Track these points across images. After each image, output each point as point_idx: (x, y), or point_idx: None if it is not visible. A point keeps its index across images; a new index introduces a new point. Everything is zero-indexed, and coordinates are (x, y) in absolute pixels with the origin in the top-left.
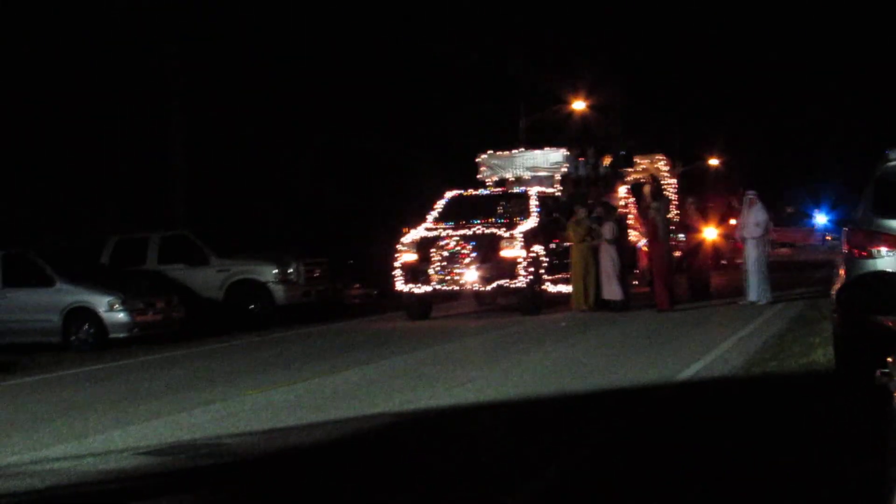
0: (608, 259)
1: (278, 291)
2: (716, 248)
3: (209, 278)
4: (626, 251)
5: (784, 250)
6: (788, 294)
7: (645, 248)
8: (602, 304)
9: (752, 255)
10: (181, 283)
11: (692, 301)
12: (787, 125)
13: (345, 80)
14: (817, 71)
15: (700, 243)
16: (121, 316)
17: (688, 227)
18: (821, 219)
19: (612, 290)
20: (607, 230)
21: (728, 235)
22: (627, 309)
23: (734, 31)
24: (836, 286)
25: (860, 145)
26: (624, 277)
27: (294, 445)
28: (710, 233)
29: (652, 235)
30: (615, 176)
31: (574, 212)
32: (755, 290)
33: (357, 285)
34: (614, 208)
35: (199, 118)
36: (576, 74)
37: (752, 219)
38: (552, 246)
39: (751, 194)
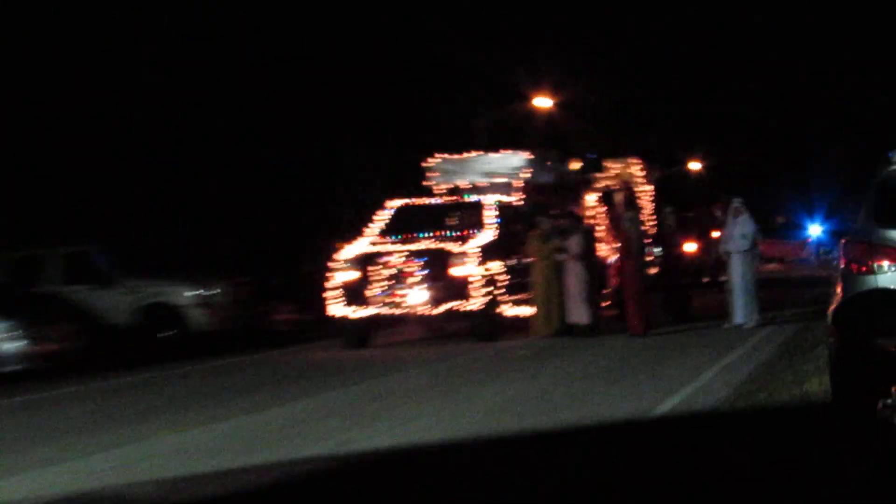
0: (574, 277)
1: (197, 316)
2: (697, 264)
3: (116, 301)
4: (595, 268)
5: (774, 266)
6: (779, 315)
7: (616, 265)
8: (567, 329)
9: (737, 272)
10: (84, 307)
11: (670, 324)
12: (777, 125)
13: (272, 68)
14: (810, 64)
15: (679, 258)
16: (12, 346)
17: (665, 241)
18: (815, 230)
19: (578, 313)
20: (574, 244)
21: (711, 249)
22: (596, 334)
23: (714, 24)
24: (833, 306)
25: (859, 147)
26: (592, 298)
27: (212, 496)
28: (690, 246)
29: (624, 250)
30: (583, 182)
31: (536, 223)
32: (741, 311)
33: (286, 309)
34: (581, 219)
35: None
36: (540, 68)
37: (738, 230)
38: (512, 262)
39: (736, 203)
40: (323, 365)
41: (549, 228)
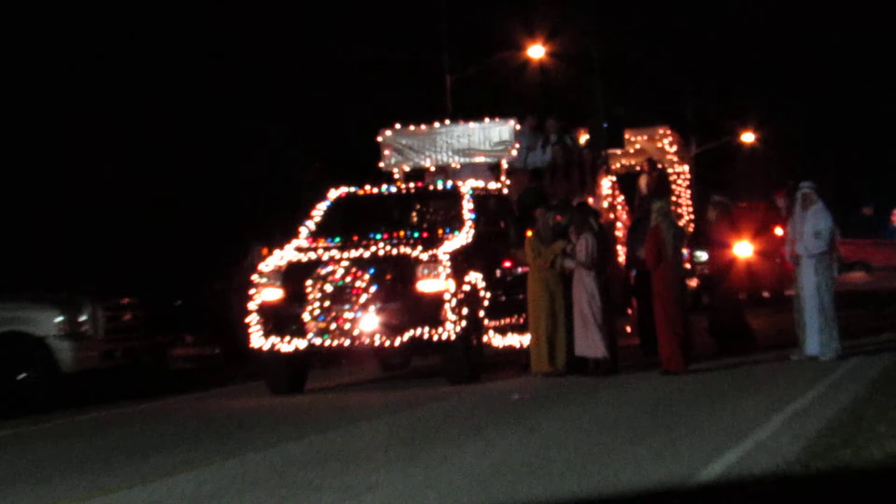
0: (585, 294)
1: (64, 351)
2: (752, 273)
3: None
4: (614, 281)
5: (859, 274)
6: (867, 344)
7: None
8: (576, 365)
9: (809, 284)
10: None
11: (717, 356)
12: (860, 82)
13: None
14: None
15: (729, 266)
16: None
17: (710, 241)
18: None
19: (591, 343)
20: (584, 248)
21: (771, 253)
22: (616, 371)
23: None
24: None
25: None
26: (610, 322)
27: None
28: (743, 249)
29: (653, 255)
30: (594, 162)
31: (533, 219)
32: (816, 338)
33: (189, 339)
34: (595, 213)
35: None
36: (533, 6)
37: (810, 227)
38: (498, 273)
39: (806, 188)
40: (241, 416)
41: (550, 226)
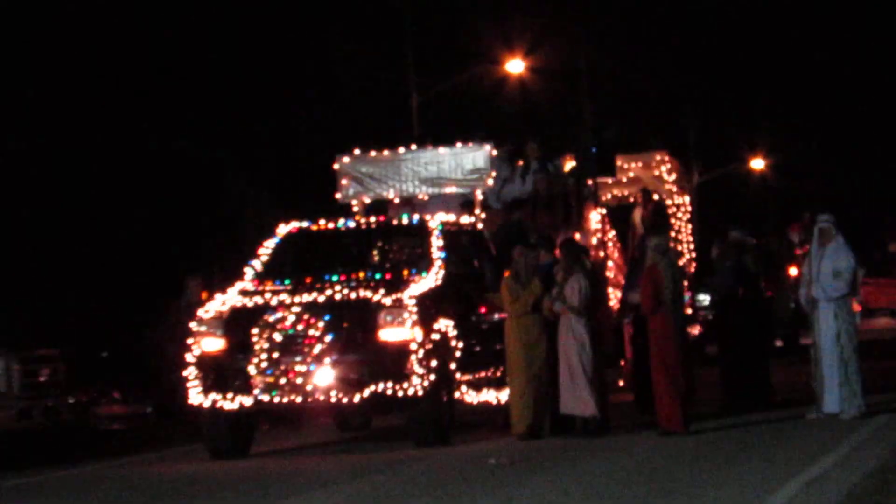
0: (575, 343)
1: None
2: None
3: None
4: (604, 328)
5: (883, 321)
6: (894, 400)
7: (629, 329)
8: (562, 425)
9: (828, 331)
10: None
11: (722, 414)
12: (888, 102)
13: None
14: None
15: (740, 310)
16: None
17: (719, 282)
18: None
19: (579, 400)
20: (574, 291)
21: (782, 294)
22: (607, 431)
23: None
24: None
25: None
26: (601, 375)
27: None
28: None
29: (650, 298)
30: (581, 192)
31: (511, 258)
32: (835, 393)
33: (116, 397)
34: (584, 251)
35: None
36: (512, 15)
37: (828, 265)
38: (472, 320)
39: (824, 222)
40: (177, 484)
41: (531, 267)
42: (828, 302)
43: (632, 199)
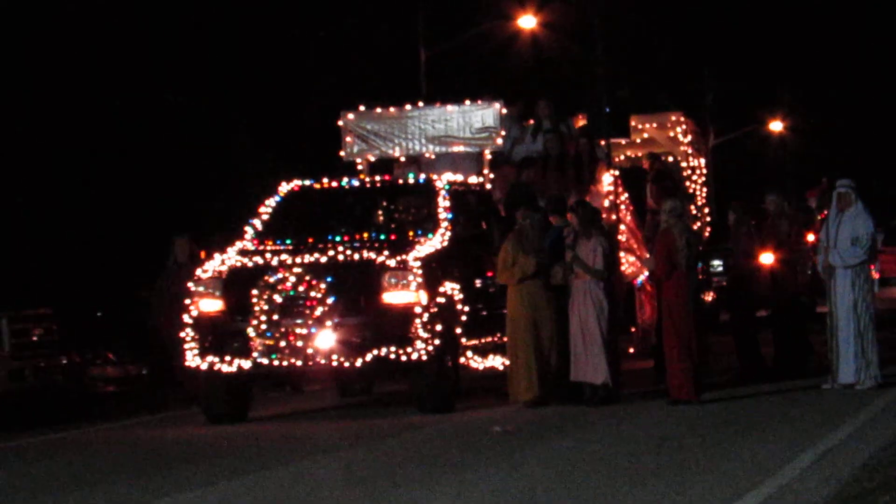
0: (593, 308)
1: None
2: (780, 286)
3: None
4: (617, 294)
5: None
6: None
7: (649, 288)
8: (569, 392)
9: (845, 300)
10: None
11: (738, 383)
12: None
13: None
14: None
15: (753, 277)
16: None
17: (731, 249)
18: None
19: (592, 367)
20: (594, 253)
21: (800, 262)
22: (617, 400)
23: None
24: None
25: None
26: (615, 342)
27: None
28: (768, 258)
29: (663, 264)
30: (593, 153)
31: (516, 220)
32: (851, 363)
33: (111, 358)
34: (597, 213)
35: None
36: None
37: (847, 232)
38: (478, 284)
39: (843, 187)
40: (173, 449)
41: (536, 229)
42: (845, 269)
43: (645, 162)
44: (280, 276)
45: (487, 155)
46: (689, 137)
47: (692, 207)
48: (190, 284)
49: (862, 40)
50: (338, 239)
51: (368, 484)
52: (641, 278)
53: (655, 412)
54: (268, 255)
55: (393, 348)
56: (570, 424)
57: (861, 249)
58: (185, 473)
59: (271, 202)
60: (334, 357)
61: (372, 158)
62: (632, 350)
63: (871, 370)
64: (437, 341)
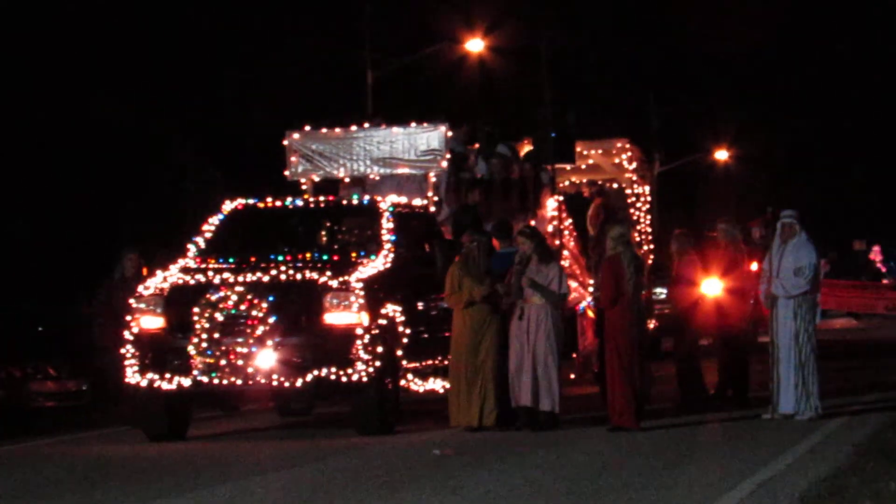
0: (546, 335)
1: None
2: (722, 315)
3: None
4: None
5: (842, 321)
6: (853, 403)
7: (591, 314)
8: (507, 417)
9: (786, 330)
10: None
11: (679, 411)
12: (855, 96)
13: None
14: None
15: (696, 305)
16: None
17: (675, 277)
18: None
19: (543, 392)
20: (551, 279)
21: (742, 290)
22: (558, 426)
23: None
24: None
25: None
26: (560, 370)
27: None
28: (712, 287)
29: (611, 289)
30: (537, 178)
31: (461, 244)
32: (791, 393)
33: (51, 373)
34: (542, 239)
35: None
36: None
37: (790, 261)
38: (420, 306)
39: (787, 217)
40: (112, 465)
41: (482, 253)
42: (787, 299)
43: (590, 188)
44: (222, 294)
45: (432, 178)
46: (635, 164)
47: (635, 234)
48: (131, 301)
49: (807, 73)
50: (280, 258)
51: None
52: (584, 304)
53: (595, 439)
54: (210, 274)
55: (333, 369)
56: (510, 449)
57: (803, 279)
58: (124, 491)
59: (215, 220)
60: (275, 377)
61: (316, 178)
62: (572, 376)
63: (811, 401)
64: (377, 363)
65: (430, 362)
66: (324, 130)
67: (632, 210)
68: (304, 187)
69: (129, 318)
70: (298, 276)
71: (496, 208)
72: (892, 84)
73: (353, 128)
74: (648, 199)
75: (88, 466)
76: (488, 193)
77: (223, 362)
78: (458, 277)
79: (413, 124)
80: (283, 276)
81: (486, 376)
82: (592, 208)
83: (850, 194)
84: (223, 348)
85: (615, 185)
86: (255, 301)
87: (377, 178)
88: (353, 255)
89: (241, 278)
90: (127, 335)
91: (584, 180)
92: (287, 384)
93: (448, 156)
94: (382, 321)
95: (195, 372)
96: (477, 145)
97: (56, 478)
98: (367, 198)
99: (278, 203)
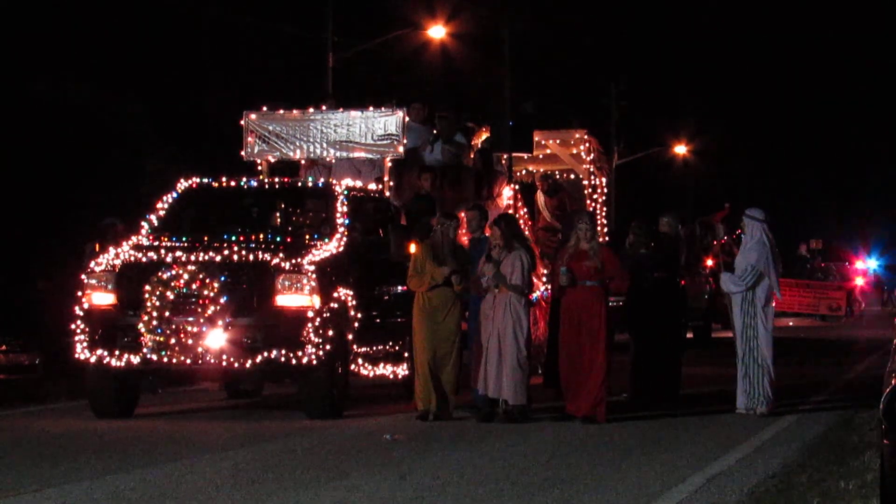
0: (512, 325)
1: None
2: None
3: None
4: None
5: (786, 321)
6: (806, 400)
7: (543, 304)
8: (467, 406)
9: (737, 325)
10: None
11: (630, 404)
12: (817, 97)
13: None
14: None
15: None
16: None
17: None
18: (873, 263)
19: (509, 385)
20: (515, 268)
21: (697, 284)
22: (528, 419)
23: None
24: (888, 389)
25: None
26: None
27: None
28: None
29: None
30: (491, 166)
31: (422, 228)
32: (742, 388)
33: (2, 347)
34: (515, 224)
35: None
36: None
37: (740, 260)
38: (373, 291)
39: (745, 216)
40: (61, 440)
41: (451, 238)
42: (735, 295)
43: (545, 178)
44: (173, 272)
45: (388, 162)
46: (593, 155)
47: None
48: (83, 276)
49: (768, 69)
50: (233, 238)
51: (256, 485)
52: (537, 294)
53: (547, 429)
54: (162, 252)
55: (283, 351)
56: (461, 437)
57: (741, 280)
58: (73, 465)
59: (168, 198)
60: (224, 357)
61: (272, 159)
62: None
63: (760, 397)
64: (328, 346)
65: (380, 347)
66: (281, 112)
67: (588, 202)
68: (259, 168)
69: (79, 293)
70: (251, 257)
71: (448, 195)
72: (859, 83)
73: (311, 110)
74: (605, 190)
75: (37, 441)
76: (442, 180)
77: (173, 341)
78: (422, 260)
79: (370, 108)
80: (235, 257)
81: (443, 363)
82: (555, 199)
83: (804, 193)
84: (173, 327)
85: (572, 176)
86: (207, 280)
87: (333, 160)
88: (307, 237)
89: (193, 257)
90: (77, 311)
91: (540, 170)
92: (237, 365)
93: (405, 140)
94: (334, 305)
95: (144, 350)
96: (437, 130)
97: (3, 451)
98: (321, 181)
99: (233, 183)
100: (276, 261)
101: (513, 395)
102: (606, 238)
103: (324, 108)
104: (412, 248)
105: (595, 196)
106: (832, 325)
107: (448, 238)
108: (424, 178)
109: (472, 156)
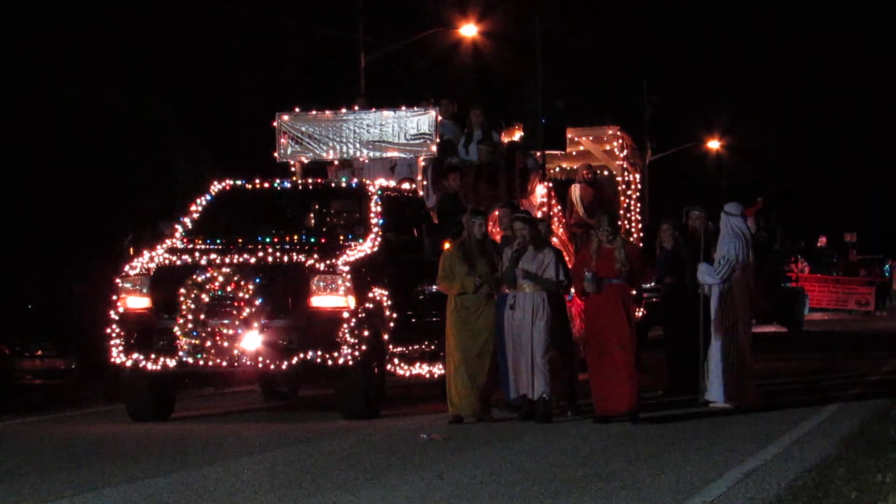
0: (548, 324)
1: None
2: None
3: None
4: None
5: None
6: (841, 395)
7: (579, 301)
8: (505, 406)
9: (716, 319)
10: None
11: (666, 400)
12: (852, 90)
13: None
14: None
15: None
16: None
17: (671, 263)
18: None
19: (547, 381)
20: (554, 266)
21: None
22: (550, 419)
23: None
24: None
25: None
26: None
27: None
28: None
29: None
30: (527, 164)
31: (454, 228)
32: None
33: (39, 352)
34: (546, 225)
35: None
36: None
37: (718, 251)
38: (408, 291)
39: (728, 210)
40: (98, 444)
41: (481, 235)
42: (716, 290)
43: (581, 175)
44: (208, 275)
45: (421, 161)
46: (626, 152)
47: (625, 222)
48: (118, 280)
49: (802, 62)
50: (268, 240)
51: (293, 486)
52: (572, 292)
53: (584, 426)
54: (197, 254)
55: (319, 352)
56: (497, 435)
57: (716, 272)
58: (110, 469)
59: (202, 201)
60: (260, 359)
61: (305, 160)
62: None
63: (711, 390)
64: (363, 347)
65: (416, 347)
66: (313, 113)
67: (622, 198)
68: (292, 169)
69: (114, 297)
70: (285, 259)
71: (483, 194)
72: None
73: (343, 110)
74: (639, 186)
75: (74, 445)
76: (476, 179)
77: (208, 343)
78: (451, 262)
79: (403, 108)
80: (270, 258)
81: (481, 365)
82: (593, 189)
83: (834, 187)
84: (209, 329)
85: (605, 173)
86: (242, 283)
87: (367, 160)
88: (341, 238)
89: (227, 259)
90: (112, 315)
91: (578, 166)
92: (273, 367)
93: (438, 139)
94: (369, 305)
95: (180, 353)
96: (466, 129)
97: (41, 457)
98: (355, 181)
99: (266, 184)
100: (310, 262)
101: (544, 387)
102: (641, 234)
103: (355, 107)
104: (446, 246)
105: (629, 192)
106: (865, 319)
107: (475, 236)
108: (452, 177)
109: (505, 153)
